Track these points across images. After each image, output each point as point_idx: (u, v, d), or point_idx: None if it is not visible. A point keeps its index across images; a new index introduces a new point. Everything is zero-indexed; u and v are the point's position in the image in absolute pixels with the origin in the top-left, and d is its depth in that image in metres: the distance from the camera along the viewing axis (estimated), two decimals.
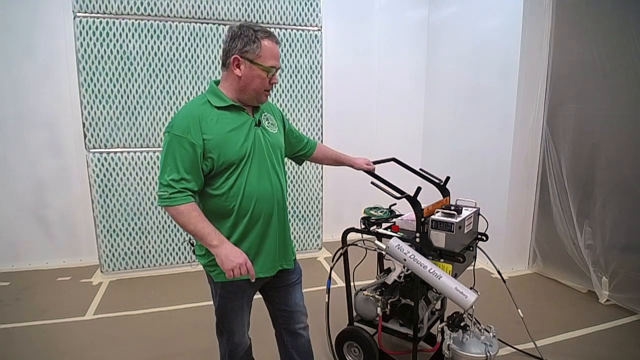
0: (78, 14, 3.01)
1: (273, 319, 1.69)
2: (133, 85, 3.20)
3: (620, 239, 2.84)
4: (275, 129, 1.55)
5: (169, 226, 3.47)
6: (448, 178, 2.16)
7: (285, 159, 1.66)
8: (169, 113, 3.32)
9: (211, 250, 1.34)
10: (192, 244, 1.54)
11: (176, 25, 3.21)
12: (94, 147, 3.20)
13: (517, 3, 3.16)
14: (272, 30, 1.46)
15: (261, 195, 1.43)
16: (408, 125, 4.53)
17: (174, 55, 3.25)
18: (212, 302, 1.55)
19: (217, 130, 1.36)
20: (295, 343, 1.67)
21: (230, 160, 1.37)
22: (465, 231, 1.89)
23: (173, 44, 3.23)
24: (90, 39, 3.04)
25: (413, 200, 1.83)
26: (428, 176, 2.17)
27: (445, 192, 2.14)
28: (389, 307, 2.00)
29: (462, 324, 1.88)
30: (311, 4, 3.52)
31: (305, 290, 1.72)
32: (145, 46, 3.18)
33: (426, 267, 1.68)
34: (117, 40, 3.10)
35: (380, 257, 2.34)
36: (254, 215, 1.43)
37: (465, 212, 1.92)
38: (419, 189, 1.84)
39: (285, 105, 3.62)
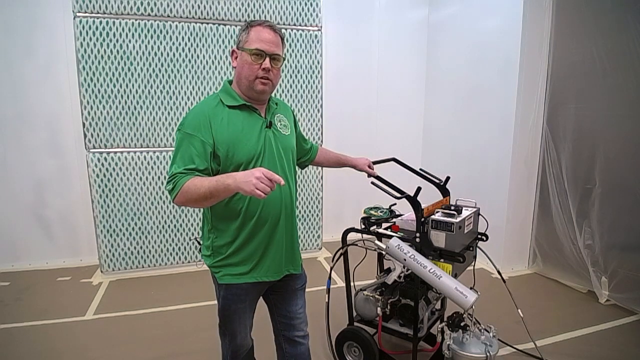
0: (78, 14, 3.01)
1: (273, 325, 1.66)
2: (133, 85, 3.20)
3: (619, 239, 2.84)
4: (287, 130, 1.52)
5: (168, 226, 3.47)
6: (448, 178, 2.16)
7: None
8: (169, 113, 3.32)
9: (231, 190, 1.23)
10: (199, 243, 1.52)
11: (176, 25, 3.21)
12: (94, 147, 3.20)
13: (517, 3, 3.15)
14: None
15: (269, 199, 1.38)
16: (408, 125, 4.53)
17: (174, 55, 3.25)
18: (212, 302, 1.56)
19: (227, 129, 1.35)
20: (294, 351, 1.63)
21: (238, 161, 1.35)
22: (465, 231, 1.89)
23: (173, 44, 3.23)
24: (90, 39, 3.04)
25: (413, 200, 1.83)
26: (428, 176, 2.17)
27: (445, 192, 2.14)
28: (389, 307, 2.00)
29: (462, 324, 1.88)
30: (311, 4, 3.52)
31: (306, 290, 1.71)
32: (145, 46, 3.18)
33: (426, 267, 1.68)
34: (117, 40, 3.10)
35: (380, 257, 2.34)
36: (261, 219, 1.41)
37: (465, 212, 1.92)
38: (419, 189, 1.84)
39: None
